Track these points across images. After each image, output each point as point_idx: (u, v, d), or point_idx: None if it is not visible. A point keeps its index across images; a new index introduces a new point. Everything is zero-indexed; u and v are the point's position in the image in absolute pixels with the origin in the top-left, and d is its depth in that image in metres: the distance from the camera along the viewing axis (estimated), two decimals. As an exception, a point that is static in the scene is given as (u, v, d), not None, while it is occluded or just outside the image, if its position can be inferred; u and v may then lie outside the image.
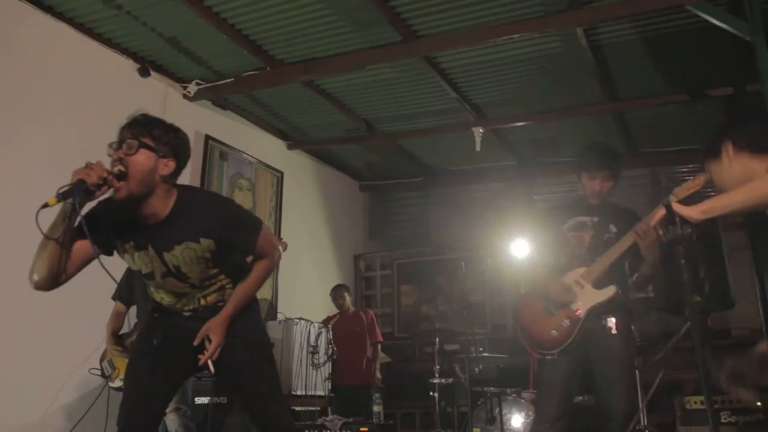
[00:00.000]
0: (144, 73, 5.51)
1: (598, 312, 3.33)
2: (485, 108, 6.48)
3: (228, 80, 5.78)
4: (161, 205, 2.51)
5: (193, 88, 5.87)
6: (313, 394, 5.70)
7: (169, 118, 5.78)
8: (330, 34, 5.12)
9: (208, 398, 4.67)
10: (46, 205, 2.25)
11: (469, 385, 5.04)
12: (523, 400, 4.90)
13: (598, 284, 3.35)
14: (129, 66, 5.45)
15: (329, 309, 7.02)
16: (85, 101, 5.05)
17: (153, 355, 2.65)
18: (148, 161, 2.41)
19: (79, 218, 2.32)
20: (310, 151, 7.74)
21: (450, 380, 5.59)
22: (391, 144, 7.47)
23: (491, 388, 5.22)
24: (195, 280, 2.64)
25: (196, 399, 4.54)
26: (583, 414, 4.49)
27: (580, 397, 4.82)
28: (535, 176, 7.93)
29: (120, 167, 2.35)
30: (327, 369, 5.91)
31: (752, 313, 6.71)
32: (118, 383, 4.18)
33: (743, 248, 6.84)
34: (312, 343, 5.79)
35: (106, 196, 2.38)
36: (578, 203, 3.66)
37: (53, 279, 2.42)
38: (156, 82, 5.69)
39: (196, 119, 6.09)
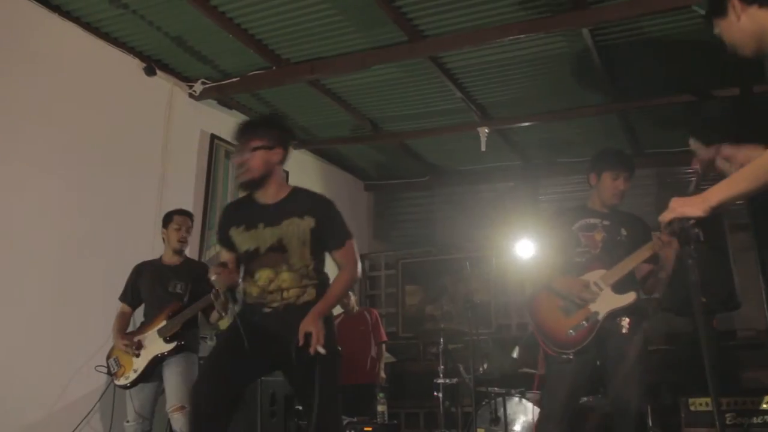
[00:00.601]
0: (150, 72, 5.52)
1: (616, 315, 3.36)
2: (490, 108, 6.47)
3: (234, 79, 5.78)
4: (276, 190, 3.10)
5: (198, 87, 5.87)
6: (317, 393, 5.68)
7: (175, 117, 5.90)
8: (336, 33, 5.12)
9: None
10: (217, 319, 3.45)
11: (474, 385, 5.04)
12: (527, 401, 4.88)
13: (617, 288, 3.38)
14: (135, 65, 5.47)
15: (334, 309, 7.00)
16: (91, 100, 5.06)
17: (234, 352, 2.97)
18: (261, 157, 3.03)
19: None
20: (315, 151, 7.75)
21: (455, 380, 5.59)
22: (397, 144, 7.46)
23: (495, 389, 5.22)
24: (292, 257, 3.02)
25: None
26: (594, 414, 4.51)
27: (585, 398, 4.83)
28: (541, 177, 7.92)
29: (243, 169, 3.03)
30: (331, 368, 5.90)
31: (758, 315, 6.69)
32: (123, 381, 4.19)
33: (749, 249, 6.82)
34: (317, 343, 5.78)
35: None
36: (584, 207, 3.72)
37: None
38: (162, 81, 5.70)
39: (202, 118, 6.11)
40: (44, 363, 4.46)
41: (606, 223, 3.58)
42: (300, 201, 3.10)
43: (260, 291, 3.05)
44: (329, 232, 3.09)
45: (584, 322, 3.33)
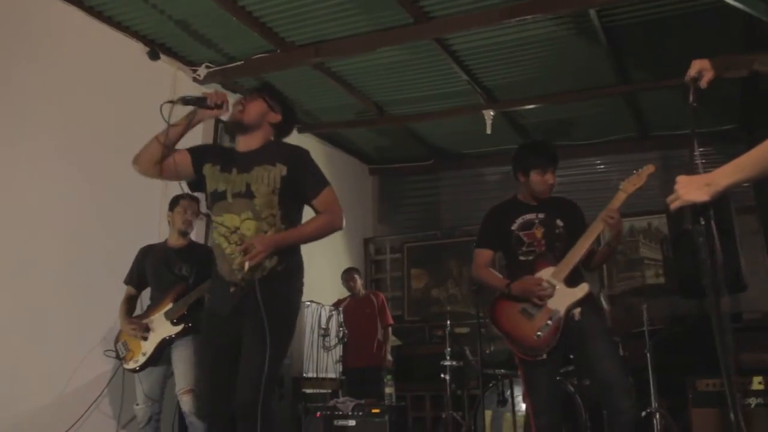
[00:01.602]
0: (154, 56, 5.49)
1: (573, 309, 3.42)
2: (496, 90, 6.44)
3: (238, 63, 5.76)
4: (257, 141, 3.06)
5: (202, 71, 5.85)
6: (324, 376, 5.72)
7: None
8: (341, 15, 5.09)
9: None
10: (170, 102, 2.88)
11: (480, 368, 5.05)
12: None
13: (570, 281, 3.44)
14: (138, 49, 5.44)
15: (339, 292, 7.03)
16: (94, 84, 5.04)
17: (214, 343, 2.98)
18: (259, 107, 3.06)
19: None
20: (319, 135, 7.72)
21: (461, 363, 5.60)
22: (401, 127, 7.44)
23: (502, 371, 5.23)
24: (259, 203, 2.92)
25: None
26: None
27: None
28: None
29: (240, 107, 3.04)
30: (338, 352, 5.93)
31: (764, 297, 6.70)
32: (132, 365, 4.19)
33: (755, 232, 6.81)
34: (323, 326, 5.81)
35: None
36: (517, 203, 3.75)
37: (149, 171, 3.02)
38: (165, 65, 5.68)
39: (207, 103, 6.08)
40: (53, 347, 4.47)
41: (541, 216, 3.62)
42: (274, 149, 3.04)
43: (225, 242, 2.92)
44: (303, 179, 3.00)
45: (548, 322, 3.37)
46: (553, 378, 3.51)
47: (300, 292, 3.10)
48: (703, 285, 5.80)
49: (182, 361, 4.14)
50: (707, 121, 6.84)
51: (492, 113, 6.48)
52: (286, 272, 2.96)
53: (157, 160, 2.95)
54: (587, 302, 3.47)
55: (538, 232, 3.58)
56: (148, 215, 5.23)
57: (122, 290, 4.49)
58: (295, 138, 7.12)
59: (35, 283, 4.42)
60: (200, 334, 4.15)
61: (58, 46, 4.81)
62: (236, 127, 3.05)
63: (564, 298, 3.41)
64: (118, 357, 4.30)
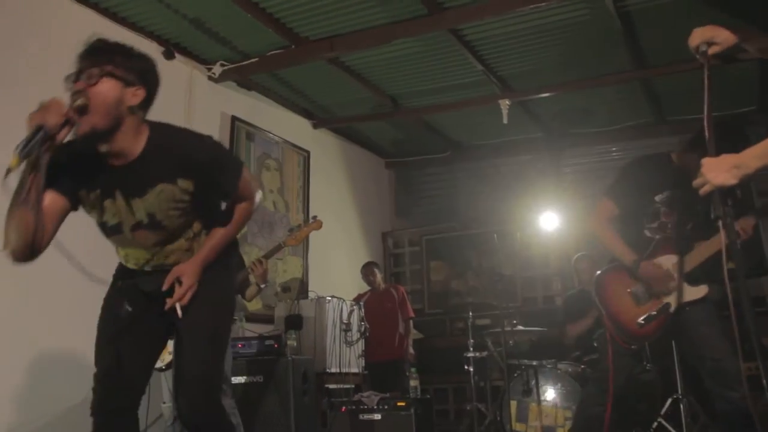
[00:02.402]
0: (169, 55, 5.51)
1: (685, 307, 3.13)
2: (512, 80, 6.41)
3: (252, 60, 5.75)
4: (131, 142, 2.24)
5: (217, 69, 5.85)
6: (347, 371, 5.73)
7: (195, 100, 5.90)
8: (354, 9, 5.06)
9: (245, 377, 4.71)
10: (9, 171, 1.97)
11: (505, 358, 5.05)
12: (558, 371, 4.88)
13: (690, 278, 3.12)
14: (153, 49, 5.43)
15: (358, 287, 7.03)
16: (111, 86, 5.05)
17: (121, 332, 2.45)
18: (113, 91, 2.18)
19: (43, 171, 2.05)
20: (335, 130, 7.72)
21: (484, 353, 5.59)
22: (417, 120, 7.42)
23: (525, 361, 5.22)
24: (170, 228, 2.37)
25: (232, 378, 4.58)
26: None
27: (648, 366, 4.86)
28: (564, 147, 7.86)
29: (81, 100, 2.12)
30: (360, 346, 5.93)
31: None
32: (159, 363, 4.12)
33: (777, 216, 6.75)
34: (344, 321, 5.81)
35: (68, 137, 2.13)
36: (671, 169, 3.26)
37: (31, 247, 2.14)
38: (181, 64, 5.69)
39: (222, 101, 6.10)
40: (79, 346, 4.49)
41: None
42: (168, 156, 2.28)
43: (136, 263, 2.48)
44: (216, 184, 2.41)
45: (654, 313, 3.11)
46: (631, 369, 3.31)
47: (233, 272, 2.70)
48: (728, 270, 5.74)
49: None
50: (724, 103, 6.77)
51: (508, 103, 6.44)
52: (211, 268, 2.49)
53: (34, 232, 2.11)
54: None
55: (676, 215, 3.19)
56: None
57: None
58: (310, 133, 7.22)
59: (62, 281, 4.45)
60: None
61: (73, 49, 4.82)
62: (93, 139, 2.18)
63: (680, 294, 3.11)
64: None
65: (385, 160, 8.88)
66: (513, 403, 4.86)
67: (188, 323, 2.39)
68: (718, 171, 2.04)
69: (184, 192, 2.31)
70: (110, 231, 2.38)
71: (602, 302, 3.25)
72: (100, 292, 2.64)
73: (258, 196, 2.58)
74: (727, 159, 2.05)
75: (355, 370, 5.83)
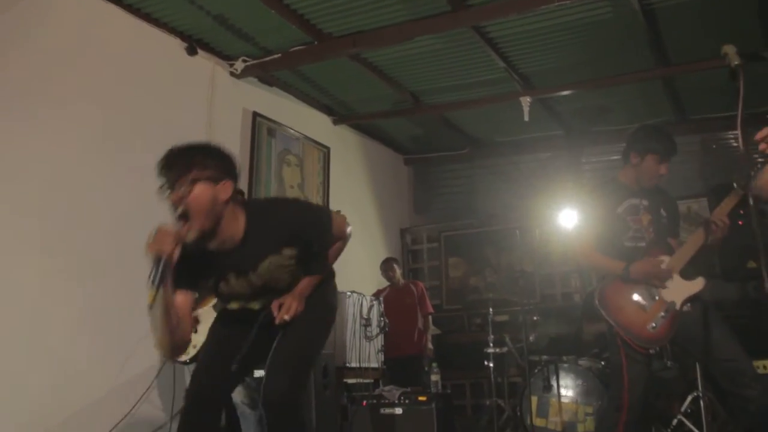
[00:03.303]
0: (191, 51, 5.55)
1: (688, 301, 3.24)
2: (533, 77, 6.40)
3: (275, 56, 5.78)
4: (233, 229, 2.50)
5: (240, 65, 5.89)
6: (366, 366, 5.75)
7: (217, 96, 5.95)
8: (378, 5, 5.08)
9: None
10: (151, 305, 2.28)
11: (526, 354, 5.06)
12: (578, 367, 4.88)
13: (685, 274, 3.24)
14: (176, 45, 5.50)
15: (377, 282, 7.06)
16: (134, 82, 5.12)
17: (229, 343, 2.72)
18: (205, 193, 2.38)
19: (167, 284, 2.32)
20: (355, 126, 7.75)
21: (504, 349, 5.60)
22: (437, 116, 7.43)
23: (545, 357, 5.23)
24: (283, 287, 2.69)
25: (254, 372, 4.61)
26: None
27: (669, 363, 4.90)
28: (584, 145, 7.85)
29: (181, 209, 2.35)
30: (380, 341, 5.96)
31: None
32: (183, 357, 4.23)
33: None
34: (364, 316, 5.84)
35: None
36: (621, 185, 3.51)
37: (177, 343, 2.49)
38: (203, 60, 5.74)
39: (244, 96, 6.14)
40: (101, 340, 4.56)
41: (645, 203, 3.42)
42: (266, 233, 2.56)
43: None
44: (315, 245, 2.74)
45: (662, 314, 3.19)
46: (650, 374, 3.33)
47: (335, 291, 3.05)
48: (747, 268, 5.70)
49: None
50: (746, 101, 6.71)
51: (529, 100, 6.44)
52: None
53: (175, 333, 2.41)
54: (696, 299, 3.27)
55: (645, 219, 3.39)
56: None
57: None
58: (330, 129, 7.25)
59: (84, 275, 4.51)
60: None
61: (97, 45, 4.89)
62: (203, 239, 2.45)
63: (680, 291, 3.22)
64: (169, 349, 4.35)
65: (404, 156, 8.91)
66: (533, 399, 4.87)
67: (291, 328, 2.69)
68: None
69: (289, 258, 2.62)
70: (227, 298, 2.70)
71: (610, 315, 3.29)
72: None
73: (348, 230, 2.91)
74: None
75: (374, 365, 5.85)
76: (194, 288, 2.56)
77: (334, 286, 3.03)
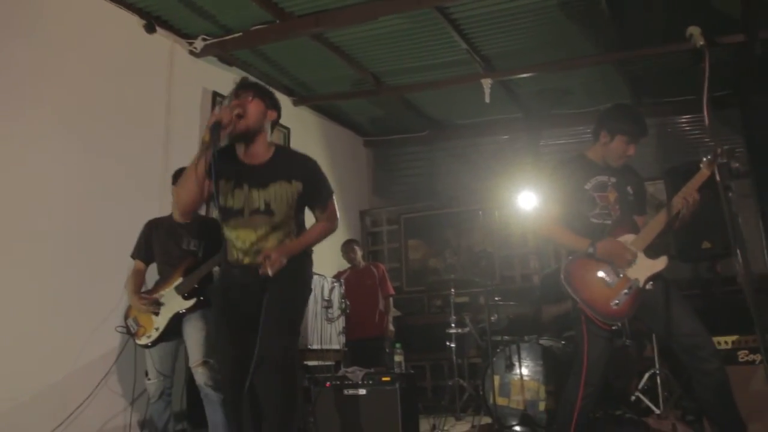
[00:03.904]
0: (150, 29, 5.42)
1: (652, 280, 3.29)
2: (495, 59, 6.42)
3: (236, 35, 5.68)
4: (263, 150, 3.15)
5: (199, 43, 5.78)
6: (328, 348, 5.74)
7: (176, 75, 5.82)
8: (341, -16, 5.04)
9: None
10: (203, 142, 2.86)
11: (489, 334, 5.11)
12: (541, 347, 4.94)
13: (649, 252, 3.29)
14: (134, 22, 5.37)
15: (338, 264, 7.04)
16: (92, 59, 4.98)
17: (227, 325, 3.10)
18: (260, 107, 3.11)
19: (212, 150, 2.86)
20: (315, 107, 7.68)
21: (466, 330, 5.64)
22: (397, 98, 7.40)
23: (506, 337, 5.29)
24: (278, 219, 3.09)
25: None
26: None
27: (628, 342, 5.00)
28: (542, 128, 7.93)
29: (240, 110, 3.01)
30: (341, 323, 5.94)
31: (758, 259, 6.81)
32: (144, 340, 4.18)
33: (748, 195, 6.91)
34: (325, 298, 5.81)
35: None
36: (589, 162, 3.53)
37: (190, 206, 3.07)
38: (162, 38, 5.61)
39: (203, 76, 6.04)
40: (59, 325, 4.46)
41: (613, 180, 3.46)
42: (287, 163, 3.18)
43: (239, 252, 3.11)
44: (316, 194, 3.22)
45: (626, 291, 3.25)
46: (611, 351, 3.39)
47: (311, 268, 3.31)
48: (702, 249, 5.80)
49: (194, 334, 4.12)
50: (700, 87, 6.85)
51: (490, 82, 6.47)
52: (295, 260, 3.11)
53: (194, 196, 2.99)
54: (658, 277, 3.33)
55: (611, 196, 3.41)
56: (148, 189, 5.23)
57: (125, 264, 4.43)
58: (290, 110, 7.17)
59: (37, 259, 4.40)
60: (212, 308, 4.15)
61: (55, 21, 4.74)
62: (242, 137, 3.09)
63: (644, 269, 3.26)
64: (129, 333, 4.29)
65: (364, 138, 8.88)
66: (496, 378, 4.92)
67: (275, 295, 2.99)
68: None
69: (294, 191, 3.12)
70: (232, 214, 3.08)
71: (575, 291, 3.33)
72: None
73: (337, 224, 3.31)
74: None
75: (335, 346, 5.84)
76: (216, 181, 2.97)
77: (311, 268, 3.31)
